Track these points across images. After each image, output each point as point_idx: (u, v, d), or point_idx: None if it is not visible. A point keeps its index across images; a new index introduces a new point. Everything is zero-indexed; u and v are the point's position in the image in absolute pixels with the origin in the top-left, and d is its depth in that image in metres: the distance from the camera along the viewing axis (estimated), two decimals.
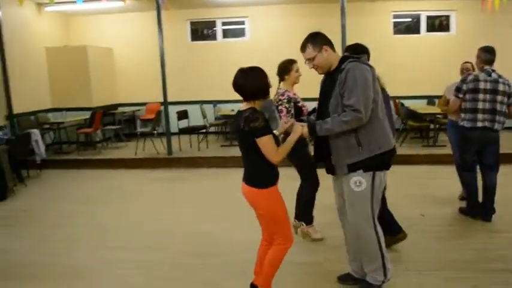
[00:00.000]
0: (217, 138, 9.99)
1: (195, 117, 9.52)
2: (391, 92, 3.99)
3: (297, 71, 4.02)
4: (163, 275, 3.72)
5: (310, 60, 2.94)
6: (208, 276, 3.64)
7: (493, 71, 4.42)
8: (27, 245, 4.52)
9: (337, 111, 2.80)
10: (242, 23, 10.55)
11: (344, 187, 2.98)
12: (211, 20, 10.59)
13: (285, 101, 3.91)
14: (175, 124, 8.81)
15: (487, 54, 4.46)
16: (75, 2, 8.06)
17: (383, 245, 3.00)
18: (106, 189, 6.71)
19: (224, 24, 10.65)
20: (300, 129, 2.87)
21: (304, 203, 4.15)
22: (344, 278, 3.37)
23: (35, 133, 7.68)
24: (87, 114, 9.08)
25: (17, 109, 8.37)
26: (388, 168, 2.97)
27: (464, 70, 5.23)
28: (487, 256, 3.79)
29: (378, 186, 2.91)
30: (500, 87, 4.35)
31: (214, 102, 10.29)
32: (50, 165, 8.03)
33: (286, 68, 4.01)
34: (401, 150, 7.62)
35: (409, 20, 10.36)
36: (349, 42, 7.54)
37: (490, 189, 4.61)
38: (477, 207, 4.70)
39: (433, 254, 3.86)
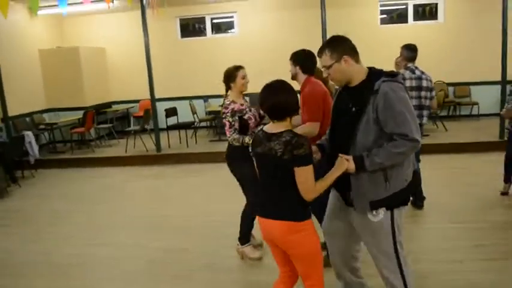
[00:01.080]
0: (207, 133, 10.20)
1: (186, 113, 9.73)
2: None
3: (243, 77, 3.76)
4: (139, 270, 3.97)
5: (325, 68, 2.51)
6: (183, 269, 3.89)
7: (416, 68, 4.67)
8: (18, 244, 4.79)
9: (368, 139, 2.38)
10: (231, 18, 10.70)
11: (357, 219, 2.57)
12: (201, 16, 10.74)
13: (229, 114, 3.67)
14: (165, 121, 9.06)
15: (410, 52, 4.69)
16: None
17: None
18: (96, 187, 6.98)
19: (213, 19, 10.80)
20: (346, 164, 2.38)
21: (242, 219, 3.93)
22: None
23: (29, 135, 7.96)
24: (81, 114, 9.31)
25: (13, 111, 8.61)
26: (407, 204, 2.59)
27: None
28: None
29: (397, 224, 2.51)
30: (424, 83, 4.61)
31: (205, 98, 10.49)
32: (44, 164, 8.32)
33: (231, 75, 3.76)
34: None
35: (398, 7, 10.39)
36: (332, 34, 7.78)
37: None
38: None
39: None
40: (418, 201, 4.85)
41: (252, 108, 3.87)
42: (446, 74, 9.71)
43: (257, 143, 2.45)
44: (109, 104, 10.94)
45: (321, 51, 2.53)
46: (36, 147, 8.05)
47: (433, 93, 4.72)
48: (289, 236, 2.32)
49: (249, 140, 3.62)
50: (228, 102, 3.73)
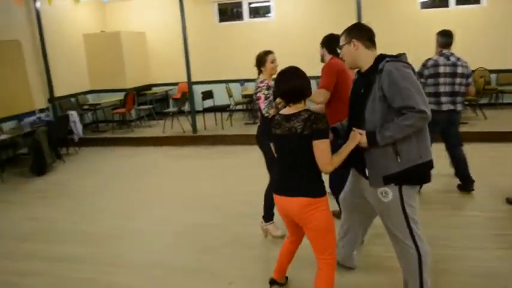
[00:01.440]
0: (242, 116, 10.37)
1: (222, 96, 9.94)
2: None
3: (272, 62, 3.96)
4: (168, 243, 4.24)
5: (340, 47, 2.82)
6: (209, 243, 4.12)
7: (452, 54, 4.59)
8: (57, 214, 5.21)
9: (375, 116, 2.55)
10: (267, 1, 10.73)
11: (370, 195, 2.75)
12: (238, 0, 10.85)
13: (264, 87, 3.84)
14: (201, 103, 9.34)
15: (444, 38, 4.63)
16: None
17: (424, 267, 2.69)
18: (134, 165, 7.34)
19: (251, 3, 10.87)
20: (359, 136, 2.56)
21: (265, 197, 4.09)
22: None
23: (73, 114, 8.43)
24: (122, 95, 9.72)
25: (59, 92, 9.17)
26: (423, 183, 2.74)
27: None
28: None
29: (408, 203, 2.63)
30: (459, 70, 4.54)
31: (242, 81, 10.64)
32: (87, 143, 8.80)
33: (261, 60, 3.98)
34: None
35: None
36: (368, 18, 7.81)
37: (462, 162, 4.83)
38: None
39: None
40: (469, 185, 4.86)
41: None
42: (489, 60, 9.39)
43: (276, 125, 2.64)
44: (149, 87, 11.32)
45: (342, 33, 2.81)
46: (80, 126, 8.52)
47: (470, 79, 4.65)
48: (308, 212, 2.52)
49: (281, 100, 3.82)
50: (262, 80, 3.95)
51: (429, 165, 2.65)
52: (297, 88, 2.56)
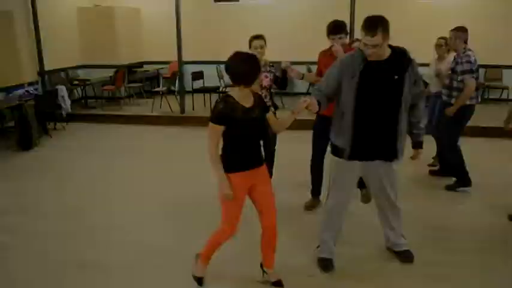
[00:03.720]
0: None
1: (213, 78, 9.91)
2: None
3: (256, 48, 4.35)
4: (147, 222, 4.37)
5: (375, 46, 2.75)
6: (188, 224, 4.25)
7: None
8: (39, 189, 5.30)
9: (408, 97, 2.92)
10: None
11: (387, 170, 3.14)
12: None
13: None
14: (191, 84, 9.34)
15: (467, 34, 4.64)
16: None
17: None
18: (121, 143, 7.43)
19: None
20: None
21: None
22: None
23: (62, 89, 8.44)
24: (112, 72, 9.69)
25: (49, 65, 9.12)
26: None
27: (437, 46, 5.35)
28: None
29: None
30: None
31: None
32: (75, 118, 8.82)
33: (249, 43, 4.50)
34: None
35: None
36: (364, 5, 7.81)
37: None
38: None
39: None
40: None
41: (268, 74, 4.46)
42: (480, 55, 9.39)
43: None
44: (141, 64, 11.26)
45: (374, 29, 2.72)
46: (68, 102, 8.52)
47: None
48: None
49: None
50: None
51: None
52: (229, 71, 2.74)
